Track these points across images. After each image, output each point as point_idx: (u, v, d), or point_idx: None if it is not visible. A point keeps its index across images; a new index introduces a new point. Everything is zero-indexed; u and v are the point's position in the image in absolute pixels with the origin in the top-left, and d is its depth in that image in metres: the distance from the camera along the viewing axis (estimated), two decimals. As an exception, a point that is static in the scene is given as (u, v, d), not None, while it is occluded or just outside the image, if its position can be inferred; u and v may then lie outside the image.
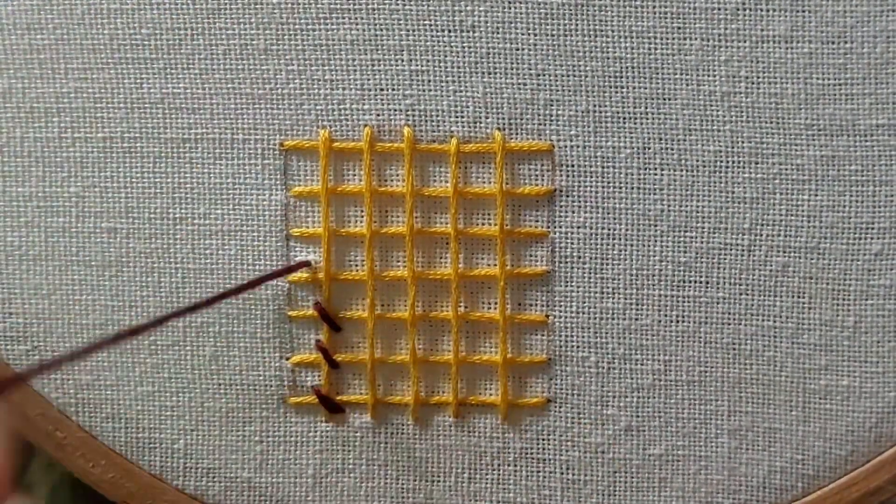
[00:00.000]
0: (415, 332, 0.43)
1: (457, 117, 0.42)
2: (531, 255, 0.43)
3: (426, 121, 0.42)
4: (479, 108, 0.42)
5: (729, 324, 0.42)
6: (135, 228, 0.43)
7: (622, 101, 0.41)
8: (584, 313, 0.43)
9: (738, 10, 0.40)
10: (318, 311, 0.43)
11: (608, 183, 0.42)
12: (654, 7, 0.41)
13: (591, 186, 0.42)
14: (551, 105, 0.42)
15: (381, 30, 0.41)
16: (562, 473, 0.44)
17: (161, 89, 0.42)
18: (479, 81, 0.42)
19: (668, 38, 0.41)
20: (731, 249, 0.42)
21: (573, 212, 0.42)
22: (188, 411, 0.44)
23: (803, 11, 0.40)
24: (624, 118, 0.41)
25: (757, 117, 0.41)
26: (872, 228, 0.41)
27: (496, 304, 0.43)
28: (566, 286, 0.43)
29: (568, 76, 0.41)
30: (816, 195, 0.41)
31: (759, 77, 0.41)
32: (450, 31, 0.41)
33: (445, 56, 0.41)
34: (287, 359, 0.44)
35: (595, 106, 0.41)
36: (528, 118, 0.42)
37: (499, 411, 0.44)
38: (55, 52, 0.42)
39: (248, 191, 0.43)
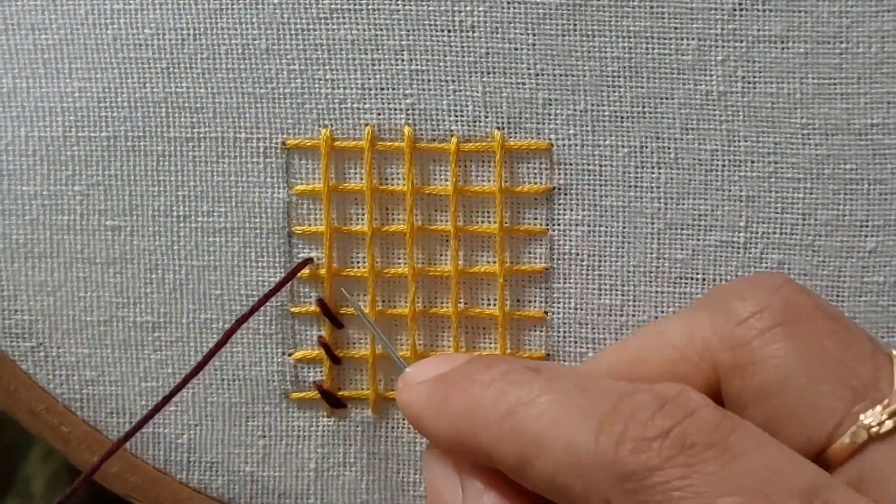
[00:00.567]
0: (415, 327, 0.43)
1: (456, 116, 0.42)
2: (530, 253, 0.43)
3: (426, 120, 0.42)
4: (479, 107, 0.42)
5: (725, 320, 0.42)
6: (139, 226, 0.43)
7: (620, 100, 0.42)
8: (582, 310, 0.43)
9: (734, 10, 0.41)
10: (321, 306, 0.43)
11: (606, 181, 0.42)
12: (651, 8, 0.41)
13: (589, 184, 0.42)
14: (550, 104, 0.42)
15: (382, 30, 0.42)
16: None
17: (164, 89, 0.42)
18: (479, 81, 0.42)
19: (665, 39, 0.41)
20: (727, 247, 0.42)
21: (571, 210, 0.42)
22: (192, 406, 0.44)
23: (799, 12, 0.40)
24: (621, 117, 0.42)
25: (753, 117, 0.41)
26: (867, 226, 0.42)
27: (495, 300, 0.43)
28: (564, 283, 0.43)
29: (566, 76, 0.41)
30: (812, 193, 0.42)
31: (754, 77, 0.41)
32: (449, 31, 0.41)
33: (445, 56, 0.42)
34: (289, 354, 0.44)
35: (593, 105, 0.42)
36: (526, 117, 0.42)
37: (498, 406, 0.44)
38: (59, 51, 0.42)
39: (250, 189, 0.43)
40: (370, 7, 0.41)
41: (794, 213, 0.42)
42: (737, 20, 0.41)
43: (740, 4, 0.40)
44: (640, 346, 0.34)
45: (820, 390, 0.28)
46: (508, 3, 0.41)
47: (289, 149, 0.43)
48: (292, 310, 0.44)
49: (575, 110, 0.42)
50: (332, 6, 0.41)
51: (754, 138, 0.41)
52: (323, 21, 0.42)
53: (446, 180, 0.43)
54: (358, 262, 0.43)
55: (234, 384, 0.44)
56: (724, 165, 0.42)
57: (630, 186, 0.42)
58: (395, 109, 0.42)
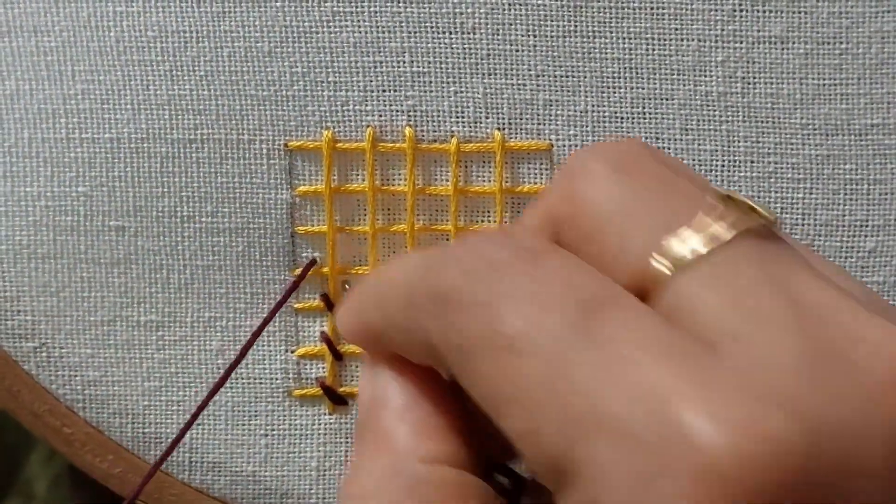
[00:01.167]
0: (417, 327, 0.44)
1: (457, 117, 0.42)
2: (531, 253, 0.43)
3: (427, 121, 0.42)
4: (480, 108, 0.42)
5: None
6: (143, 227, 0.43)
7: (620, 101, 0.42)
8: (583, 310, 0.43)
9: (734, 11, 0.41)
10: (325, 301, 0.44)
11: (607, 181, 0.42)
12: (652, 9, 0.41)
13: (590, 185, 0.42)
14: (550, 105, 0.42)
15: (384, 32, 0.42)
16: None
17: (167, 91, 0.42)
18: (480, 82, 0.42)
19: (665, 40, 0.41)
20: (727, 247, 0.42)
21: (572, 210, 0.43)
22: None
23: (799, 13, 0.41)
24: (621, 118, 0.42)
25: (753, 117, 0.41)
26: (867, 226, 0.42)
27: (497, 300, 0.43)
28: (566, 283, 0.43)
29: (567, 77, 0.42)
30: (812, 193, 0.42)
31: (755, 77, 0.41)
32: (450, 33, 0.42)
33: (446, 58, 0.42)
34: (292, 351, 0.44)
35: (593, 106, 0.42)
36: (527, 118, 0.42)
37: (500, 405, 0.44)
38: (62, 54, 0.42)
39: (253, 190, 0.43)
40: (372, 10, 0.42)
41: (794, 213, 0.42)
42: (737, 21, 0.41)
43: (740, 5, 0.41)
44: (526, 215, 0.34)
45: (634, 227, 0.27)
46: (509, 4, 0.41)
47: (291, 150, 0.43)
48: (296, 306, 0.44)
49: (575, 111, 0.42)
50: (335, 9, 0.42)
51: (754, 139, 0.42)
52: (325, 24, 0.42)
53: (447, 181, 0.43)
54: (360, 263, 0.44)
55: (237, 382, 0.44)
56: (723, 166, 0.42)
57: (631, 187, 0.42)
58: (397, 111, 0.42)
